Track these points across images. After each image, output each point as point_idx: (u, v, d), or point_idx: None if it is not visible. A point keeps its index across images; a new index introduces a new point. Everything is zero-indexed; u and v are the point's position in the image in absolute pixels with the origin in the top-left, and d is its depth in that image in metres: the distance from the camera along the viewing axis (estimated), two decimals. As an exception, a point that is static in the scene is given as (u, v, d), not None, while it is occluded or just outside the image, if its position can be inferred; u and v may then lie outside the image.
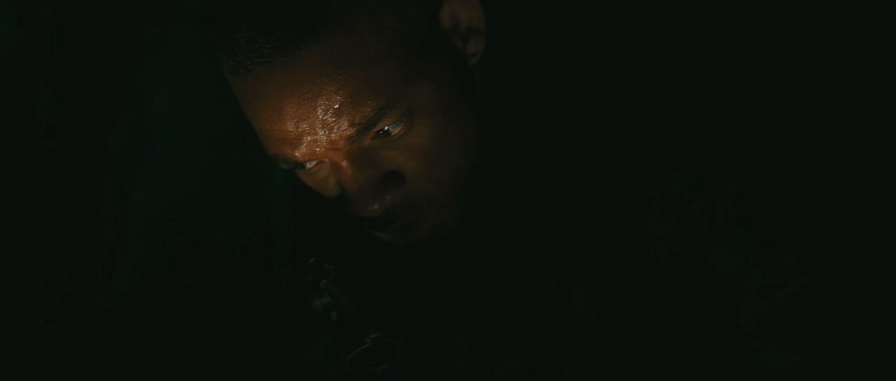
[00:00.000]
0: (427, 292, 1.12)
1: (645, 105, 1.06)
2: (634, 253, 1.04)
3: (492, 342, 1.10)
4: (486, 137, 1.06)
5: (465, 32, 1.02)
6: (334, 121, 0.95)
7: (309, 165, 1.01)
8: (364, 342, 1.07)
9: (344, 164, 0.99)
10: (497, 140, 1.06)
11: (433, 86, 0.98)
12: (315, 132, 0.96)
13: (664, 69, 1.10)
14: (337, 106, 0.94)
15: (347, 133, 0.96)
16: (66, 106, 1.42)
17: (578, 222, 1.06)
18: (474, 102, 1.04)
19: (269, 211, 1.45)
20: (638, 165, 1.03)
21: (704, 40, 1.19)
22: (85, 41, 1.41)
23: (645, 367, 1.06)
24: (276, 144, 0.99)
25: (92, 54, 1.42)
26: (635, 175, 1.03)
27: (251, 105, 0.98)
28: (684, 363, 1.05)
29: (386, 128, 0.97)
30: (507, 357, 1.09)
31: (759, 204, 1.00)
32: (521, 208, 1.07)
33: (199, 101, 1.41)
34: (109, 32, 1.42)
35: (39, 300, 1.42)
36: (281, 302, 1.42)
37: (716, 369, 1.04)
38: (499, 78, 1.07)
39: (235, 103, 1.03)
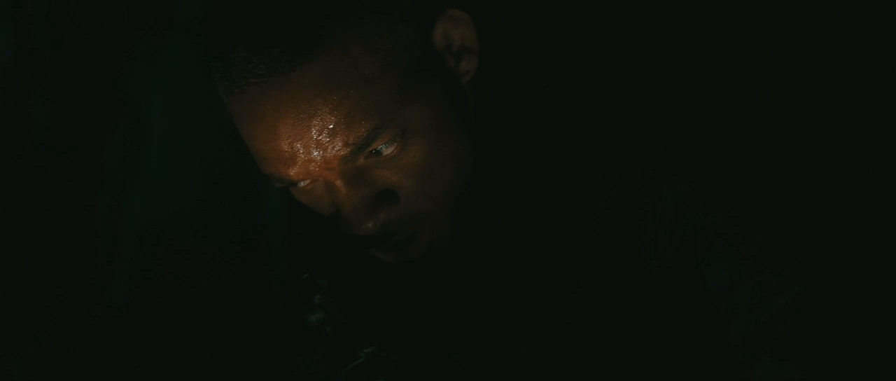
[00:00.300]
0: (420, 306, 1.13)
1: (637, 119, 1.06)
2: (628, 267, 1.05)
3: (485, 357, 1.10)
4: (480, 151, 1.06)
5: (458, 51, 1.03)
6: (328, 141, 0.96)
7: (303, 184, 1.01)
8: (358, 357, 1.08)
9: (338, 183, 1.00)
10: (491, 155, 1.07)
11: (426, 106, 0.99)
12: (309, 152, 0.96)
13: (657, 84, 1.11)
14: (331, 126, 0.95)
15: (342, 153, 0.97)
16: (61, 118, 1.42)
17: (572, 236, 1.06)
18: (467, 119, 1.05)
19: (264, 223, 1.45)
20: (631, 179, 1.04)
21: (696, 57, 1.20)
22: (80, 53, 1.42)
23: (637, 379, 1.06)
24: (270, 163, 0.99)
25: (87, 66, 1.42)
26: (628, 189, 1.04)
27: (246, 124, 0.98)
28: (678, 375, 1.06)
29: (379, 147, 0.98)
30: (501, 372, 1.10)
31: (750, 217, 1.01)
32: (516, 222, 1.08)
33: (194, 113, 1.42)
34: (104, 45, 1.42)
35: (34, 312, 1.42)
36: (275, 315, 1.42)
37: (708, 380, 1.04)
38: (493, 94, 1.08)
39: (230, 117, 1.03)
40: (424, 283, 1.12)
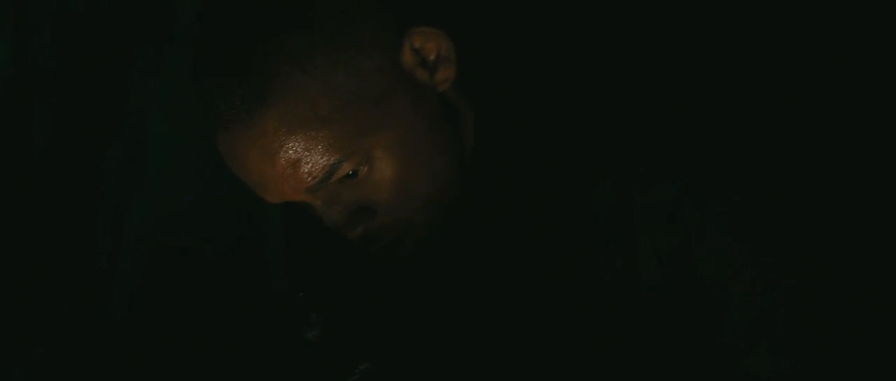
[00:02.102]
0: (417, 307, 1.14)
1: (632, 116, 1.07)
2: (625, 264, 1.06)
3: (482, 358, 1.12)
4: (476, 151, 1.08)
5: (433, 63, 1.05)
6: (292, 175, 1.00)
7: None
8: (354, 373, 1.09)
9: (315, 203, 1.04)
10: (486, 154, 1.09)
11: (392, 129, 1.02)
12: (278, 183, 1.01)
13: (650, 81, 1.12)
14: (293, 164, 1.00)
15: (306, 185, 1.01)
16: (63, 126, 1.42)
17: (568, 235, 1.08)
18: (447, 127, 1.06)
19: (264, 230, 1.45)
20: (626, 175, 1.05)
21: (690, 52, 1.21)
22: (81, 64, 1.42)
23: (634, 374, 1.08)
24: (252, 187, 1.04)
25: (88, 77, 1.42)
26: (624, 186, 1.05)
27: (224, 156, 1.04)
28: (673, 368, 1.07)
29: (348, 173, 1.01)
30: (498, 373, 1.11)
31: (745, 211, 1.03)
32: (511, 222, 1.10)
33: (194, 123, 1.42)
34: (105, 56, 1.42)
35: (36, 318, 1.42)
36: (276, 322, 1.42)
37: (704, 373, 1.06)
38: (487, 95, 1.09)
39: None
40: (421, 284, 1.14)
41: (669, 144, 1.05)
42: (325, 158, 1.00)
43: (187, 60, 1.32)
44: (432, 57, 1.04)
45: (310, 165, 1.00)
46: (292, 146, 0.99)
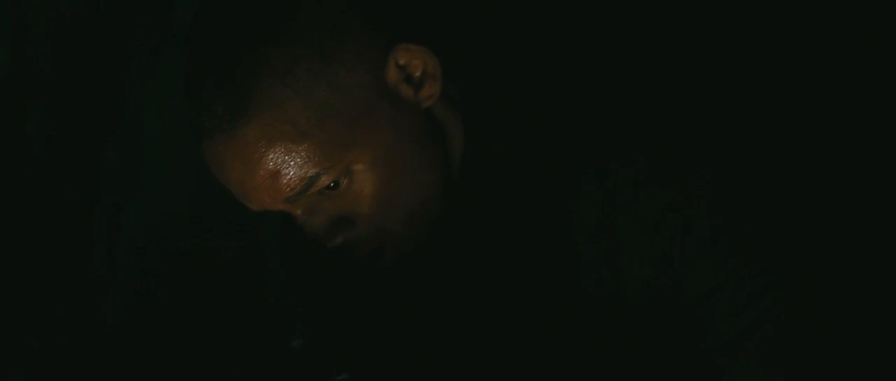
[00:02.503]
0: (403, 314, 1.15)
1: (618, 126, 1.08)
2: (610, 273, 1.07)
3: (468, 364, 1.12)
4: (464, 165, 1.09)
5: (419, 80, 1.05)
6: (271, 185, 1.02)
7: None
8: None
9: (295, 212, 1.06)
10: (474, 168, 1.09)
11: (373, 144, 1.03)
12: (258, 193, 1.03)
13: (636, 91, 1.12)
14: (272, 175, 1.02)
15: (285, 196, 1.03)
16: (59, 127, 1.43)
17: (554, 245, 1.08)
18: (431, 142, 1.07)
19: (261, 231, 1.45)
20: (612, 187, 1.06)
21: (675, 61, 1.21)
22: (78, 63, 1.42)
23: None
24: (234, 194, 1.06)
25: (85, 76, 1.42)
26: (609, 197, 1.06)
27: (208, 163, 1.06)
28: (656, 379, 1.07)
29: (328, 185, 1.03)
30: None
31: (729, 223, 1.03)
32: (497, 232, 1.10)
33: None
34: (102, 55, 1.43)
35: (33, 319, 1.43)
36: (272, 323, 1.43)
37: None
38: (474, 111, 1.10)
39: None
40: (406, 295, 1.15)
41: (655, 154, 1.05)
42: (303, 171, 1.01)
43: (184, 58, 1.32)
44: (417, 73, 1.05)
45: (288, 176, 1.01)
46: (272, 158, 1.01)
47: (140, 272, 1.45)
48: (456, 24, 1.17)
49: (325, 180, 1.02)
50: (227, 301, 1.46)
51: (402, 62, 1.03)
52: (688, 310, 1.04)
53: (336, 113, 1.01)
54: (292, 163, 1.01)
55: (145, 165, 1.45)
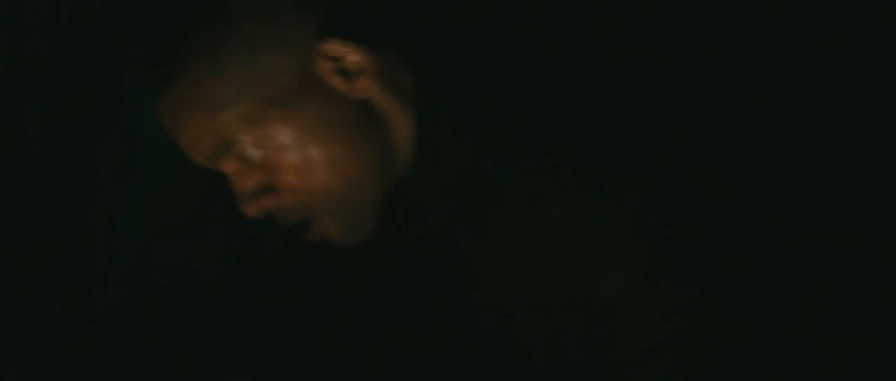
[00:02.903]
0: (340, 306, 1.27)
1: (540, 133, 1.11)
2: (520, 278, 1.09)
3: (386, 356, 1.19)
4: (417, 157, 1.15)
5: (353, 74, 1.14)
6: (195, 146, 1.17)
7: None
8: None
9: (226, 171, 1.17)
10: (417, 167, 1.16)
11: (293, 124, 1.13)
12: (191, 152, 1.18)
13: (556, 95, 1.15)
14: (194, 137, 1.16)
15: (206, 156, 1.16)
16: (57, 125, 1.43)
17: (468, 245, 1.13)
18: (366, 132, 1.15)
19: (259, 231, 1.45)
20: (526, 193, 1.09)
21: (599, 68, 1.25)
22: (75, 61, 1.42)
23: None
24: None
25: (82, 74, 1.43)
26: (522, 203, 1.09)
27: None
28: None
29: (247, 154, 1.14)
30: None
31: (642, 237, 1.05)
32: (418, 229, 1.17)
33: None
34: (100, 52, 1.43)
35: (31, 319, 1.43)
36: (271, 325, 1.43)
37: None
38: (426, 109, 1.16)
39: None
40: (341, 281, 1.28)
41: (572, 163, 1.08)
42: (211, 142, 1.14)
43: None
44: (352, 68, 1.13)
45: (203, 142, 1.15)
46: (190, 123, 1.15)
47: (138, 271, 1.46)
48: (412, 21, 1.22)
49: (238, 148, 1.14)
50: (224, 301, 1.46)
51: (332, 55, 1.13)
52: (596, 323, 1.06)
53: (256, 93, 1.12)
54: (205, 131, 1.14)
55: (143, 163, 1.45)
